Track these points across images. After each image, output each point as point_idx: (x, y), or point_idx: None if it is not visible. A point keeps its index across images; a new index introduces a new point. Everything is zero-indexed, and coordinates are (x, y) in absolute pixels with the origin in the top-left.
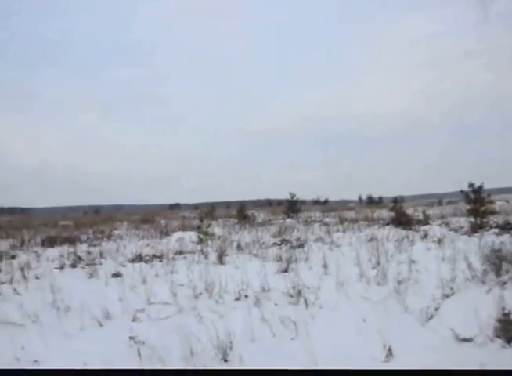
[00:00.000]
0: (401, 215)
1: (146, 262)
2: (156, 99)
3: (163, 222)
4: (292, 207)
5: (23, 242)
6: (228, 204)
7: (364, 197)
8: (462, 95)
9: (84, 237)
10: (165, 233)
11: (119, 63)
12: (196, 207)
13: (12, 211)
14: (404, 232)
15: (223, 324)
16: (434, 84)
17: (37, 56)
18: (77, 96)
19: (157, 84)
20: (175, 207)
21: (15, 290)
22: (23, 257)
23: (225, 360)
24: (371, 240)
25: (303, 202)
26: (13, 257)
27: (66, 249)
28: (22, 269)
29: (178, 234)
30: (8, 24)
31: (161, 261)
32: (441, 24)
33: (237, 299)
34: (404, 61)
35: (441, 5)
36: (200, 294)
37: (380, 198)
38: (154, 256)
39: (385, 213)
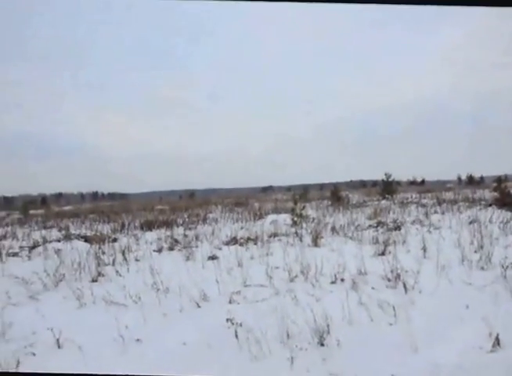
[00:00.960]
0: (505, 196)
1: (241, 244)
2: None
3: (256, 204)
4: (387, 188)
5: (123, 226)
6: (321, 186)
7: (463, 177)
8: None
9: (180, 221)
10: (259, 215)
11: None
12: (288, 189)
13: (111, 196)
14: (510, 213)
15: (319, 307)
16: None
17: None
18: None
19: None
20: (268, 189)
21: (117, 271)
22: (123, 240)
23: (322, 344)
24: (472, 222)
25: (398, 183)
26: (115, 240)
27: (163, 232)
28: (123, 252)
29: (271, 217)
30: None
31: (256, 243)
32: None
33: (333, 282)
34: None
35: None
36: (296, 276)
37: (482, 178)
38: (249, 239)
39: (487, 193)
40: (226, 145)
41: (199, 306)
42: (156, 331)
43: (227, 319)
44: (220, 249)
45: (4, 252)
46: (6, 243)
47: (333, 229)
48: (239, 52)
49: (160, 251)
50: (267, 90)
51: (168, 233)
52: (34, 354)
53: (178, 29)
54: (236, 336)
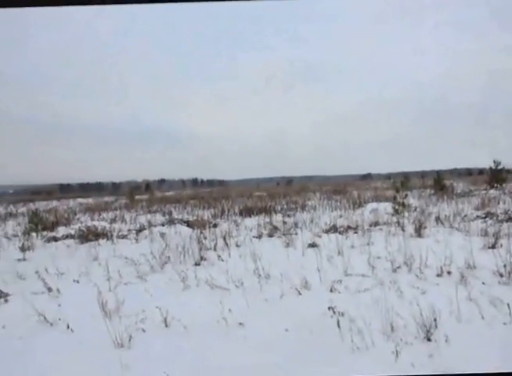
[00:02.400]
0: None
1: (340, 233)
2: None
3: (355, 192)
4: (496, 176)
5: (222, 212)
6: (422, 174)
7: None
8: None
9: (278, 208)
10: (358, 203)
11: None
12: (388, 177)
13: (210, 183)
14: None
15: (425, 301)
16: None
17: None
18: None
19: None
20: (367, 177)
21: (219, 256)
22: (223, 226)
23: (429, 339)
24: None
25: (508, 171)
26: (215, 225)
27: (262, 219)
28: (224, 237)
29: (371, 205)
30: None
31: (356, 232)
32: None
33: (439, 275)
34: None
35: None
36: (399, 267)
37: None
38: (349, 227)
39: None
40: (326, 132)
41: (300, 293)
42: (258, 316)
43: (329, 308)
44: (319, 237)
45: (114, 234)
46: (116, 226)
47: (438, 219)
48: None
49: (259, 237)
50: (372, 79)
51: (267, 219)
52: (143, 330)
53: None
54: (339, 325)
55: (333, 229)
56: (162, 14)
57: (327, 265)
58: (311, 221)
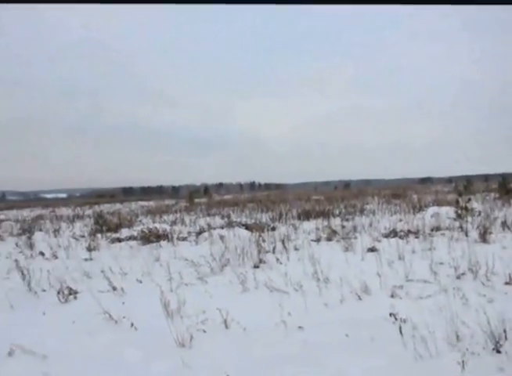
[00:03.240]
0: None
1: (400, 237)
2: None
3: (415, 196)
4: None
5: (280, 215)
6: (485, 177)
7: None
8: None
9: (336, 211)
10: (418, 208)
11: None
12: (449, 180)
13: (267, 186)
14: None
15: (493, 310)
16: None
17: None
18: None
19: None
20: (427, 180)
21: (277, 259)
22: (282, 229)
23: (498, 351)
24: None
25: None
26: (273, 229)
27: (320, 222)
28: (283, 241)
29: (432, 209)
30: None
31: (417, 237)
32: None
33: (508, 283)
34: None
35: None
36: (463, 274)
37: None
38: (409, 232)
39: None
40: (385, 135)
41: (360, 298)
42: (317, 320)
43: (390, 314)
44: (379, 241)
45: (175, 236)
46: (176, 228)
47: (504, 224)
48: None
49: (318, 240)
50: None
51: (325, 223)
52: (204, 331)
53: None
54: (401, 332)
55: (393, 233)
56: (225, 21)
57: (387, 270)
58: (370, 225)
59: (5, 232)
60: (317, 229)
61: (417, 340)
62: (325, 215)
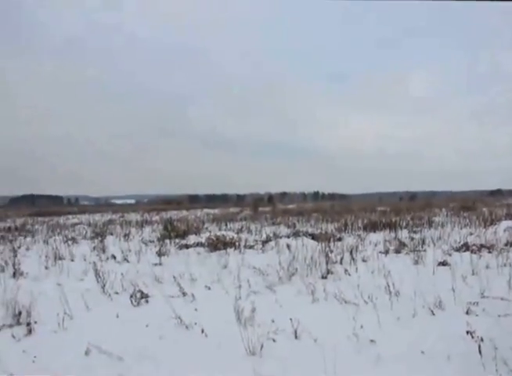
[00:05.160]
0: None
1: (473, 251)
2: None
3: (484, 209)
4: None
5: (346, 225)
6: None
7: None
8: None
9: (403, 223)
10: (490, 221)
11: None
12: None
13: (332, 196)
14: None
15: None
16: None
17: None
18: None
19: None
20: (496, 193)
21: (346, 270)
22: (348, 239)
23: None
24: None
25: None
26: (340, 239)
27: (387, 234)
28: (350, 252)
29: (505, 223)
30: None
31: (490, 252)
32: None
33: None
34: None
35: None
36: None
37: None
38: (482, 246)
39: None
40: (450, 146)
41: (433, 313)
42: (390, 334)
43: (467, 332)
44: (450, 255)
45: (242, 244)
46: (242, 236)
47: None
48: None
49: (386, 252)
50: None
51: (393, 234)
52: (274, 340)
53: None
54: (480, 352)
55: (465, 247)
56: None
57: (461, 286)
58: (440, 238)
59: (79, 235)
60: (384, 240)
61: (499, 361)
62: (391, 226)
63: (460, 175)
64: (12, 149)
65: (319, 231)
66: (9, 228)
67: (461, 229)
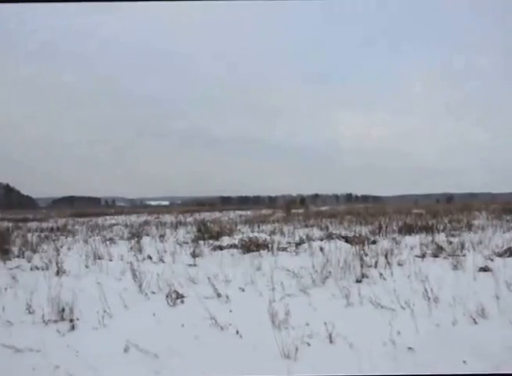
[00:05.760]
0: None
1: None
2: None
3: None
4: None
5: (380, 228)
6: None
7: None
8: None
9: (440, 226)
10: None
11: None
12: None
13: (365, 198)
14: None
15: None
16: None
17: None
18: None
19: None
20: None
21: (381, 274)
22: (383, 243)
23: None
24: None
25: None
26: (374, 242)
27: (424, 237)
28: (385, 255)
29: None
30: None
31: None
32: None
33: None
34: None
35: None
36: None
37: None
38: None
39: None
40: (490, 145)
41: (475, 322)
42: (429, 342)
43: None
44: (492, 260)
45: (275, 246)
46: (275, 238)
47: None
48: None
49: (423, 256)
50: None
51: (430, 238)
52: (309, 344)
53: None
54: None
55: (509, 252)
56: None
57: (506, 293)
58: (480, 242)
59: (117, 235)
60: (421, 244)
61: None
62: (428, 229)
63: (502, 175)
64: (55, 153)
65: (352, 234)
66: (52, 228)
67: (504, 233)
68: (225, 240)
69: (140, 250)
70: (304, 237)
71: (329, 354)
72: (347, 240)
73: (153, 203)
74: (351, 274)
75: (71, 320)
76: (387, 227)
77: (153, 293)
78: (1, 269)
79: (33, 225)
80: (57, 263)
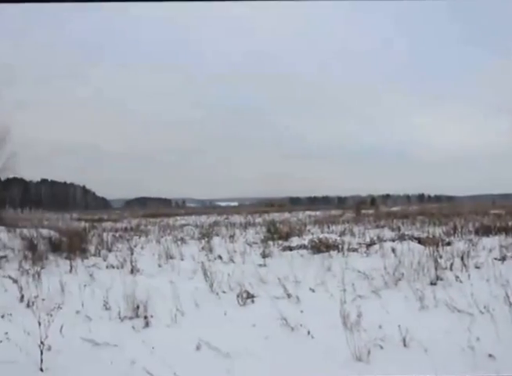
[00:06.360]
0: None
1: None
2: None
3: None
4: None
5: (455, 229)
6: None
7: None
8: None
9: None
10: None
11: None
12: None
13: (438, 199)
14: None
15: None
16: None
17: None
18: None
19: None
20: None
21: (457, 277)
22: (458, 244)
23: None
24: None
25: None
26: (449, 244)
27: (503, 239)
28: (461, 257)
29: None
30: None
31: None
32: None
33: None
34: None
35: None
36: None
37: None
38: None
39: None
40: None
41: None
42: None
43: None
44: None
45: (345, 247)
46: (345, 239)
47: None
48: None
49: (503, 259)
50: None
51: (510, 240)
52: (381, 347)
53: None
54: None
55: None
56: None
57: None
58: None
59: (187, 235)
60: (500, 246)
61: None
62: (508, 231)
63: None
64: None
65: (425, 235)
66: (125, 228)
67: None
68: (295, 241)
69: (211, 250)
70: (375, 238)
71: (402, 358)
72: (420, 241)
73: (222, 204)
74: (425, 276)
75: (145, 317)
76: (462, 228)
77: (224, 292)
78: (80, 266)
79: (107, 225)
80: (131, 262)
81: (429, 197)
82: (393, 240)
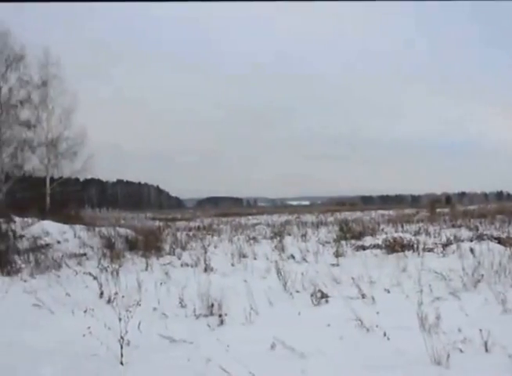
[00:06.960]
0: None
1: None
2: None
3: None
4: None
5: None
6: None
7: None
8: None
9: None
10: None
11: None
12: None
13: (499, 196)
14: None
15: None
16: None
17: None
18: None
19: None
20: None
21: None
22: None
23: None
24: None
25: None
26: None
27: None
28: None
29: None
30: None
31: None
32: None
33: None
34: None
35: None
36: None
37: None
38: None
39: None
40: None
41: None
42: None
43: None
44: None
45: (420, 247)
46: (420, 238)
47: None
48: None
49: None
50: None
51: None
52: (461, 351)
53: None
54: None
55: None
56: None
57: None
58: None
59: (260, 235)
60: None
61: None
62: None
63: None
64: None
65: (505, 235)
66: (198, 227)
67: None
68: (368, 240)
69: (283, 249)
70: (451, 238)
71: (484, 363)
72: (500, 241)
73: (293, 203)
74: (507, 278)
75: (220, 315)
76: None
77: (298, 292)
78: (155, 265)
79: (181, 224)
80: (205, 261)
81: (508, 194)
82: (471, 240)
